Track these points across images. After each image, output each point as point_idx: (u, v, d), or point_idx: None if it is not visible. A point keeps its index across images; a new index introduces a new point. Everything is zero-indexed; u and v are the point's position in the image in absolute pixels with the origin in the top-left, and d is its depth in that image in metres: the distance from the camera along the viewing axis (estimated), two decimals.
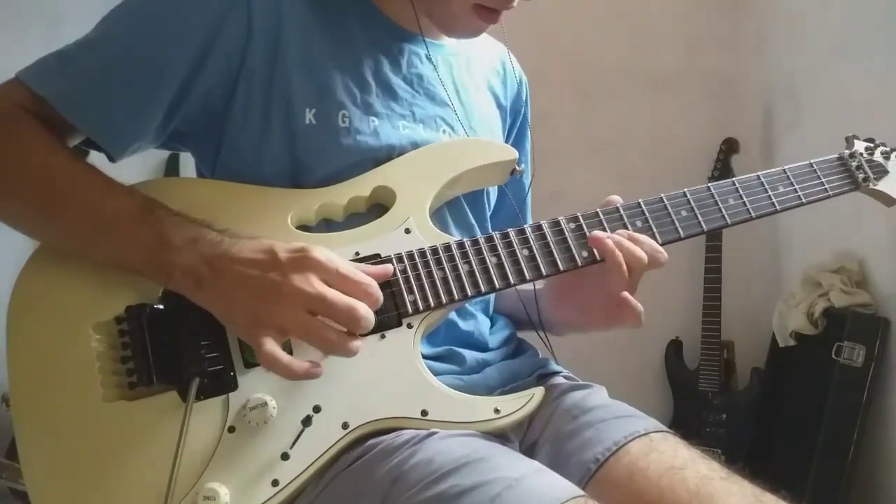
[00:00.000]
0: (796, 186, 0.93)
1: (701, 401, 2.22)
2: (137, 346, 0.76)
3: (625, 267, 0.82)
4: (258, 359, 0.71)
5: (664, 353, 2.36)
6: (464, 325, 0.94)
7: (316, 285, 0.71)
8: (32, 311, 0.78)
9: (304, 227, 0.84)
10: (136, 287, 0.78)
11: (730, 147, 2.26)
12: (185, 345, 0.76)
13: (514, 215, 1.04)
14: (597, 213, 0.87)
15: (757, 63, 2.36)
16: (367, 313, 0.72)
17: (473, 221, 0.97)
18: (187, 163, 2.16)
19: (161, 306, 0.77)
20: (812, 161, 0.96)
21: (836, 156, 0.99)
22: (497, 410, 0.79)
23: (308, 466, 0.74)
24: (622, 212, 0.88)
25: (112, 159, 0.86)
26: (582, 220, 0.87)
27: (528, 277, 0.84)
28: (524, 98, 1.13)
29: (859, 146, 1.00)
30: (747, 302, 2.34)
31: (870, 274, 1.86)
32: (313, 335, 0.71)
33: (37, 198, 0.78)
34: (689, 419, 2.22)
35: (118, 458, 0.73)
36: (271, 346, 0.70)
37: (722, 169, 2.23)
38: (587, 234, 0.86)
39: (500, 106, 1.07)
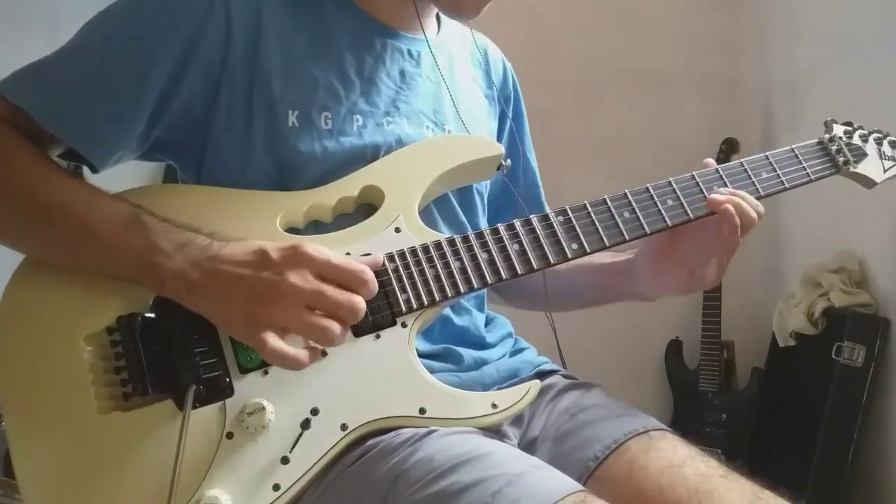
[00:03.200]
0: (779, 172, 0.94)
1: (701, 401, 2.21)
2: (131, 356, 0.74)
3: (737, 220, 0.86)
4: (264, 356, 0.71)
5: (664, 353, 2.36)
6: (458, 320, 0.94)
7: (312, 281, 0.72)
8: (21, 324, 0.76)
9: (293, 230, 0.84)
10: (125, 296, 0.77)
11: (730, 147, 2.25)
12: (179, 352, 0.75)
13: (529, 204, 1.05)
14: (584, 205, 0.88)
15: (757, 63, 2.36)
16: (363, 304, 0.73)
17: (464, 219, 0.97)
18: None
19: (152, 315, 0.76)
20: (793, 146, 0.98)
21: (817, 140, 1.00)
22: (494, 405, 0.79)
23: (308, 469, 0.74)
24: (609, 203, 0.88)
25: (94, 170, 0.84)
26: (570, 213, 0.87)
27: (519, 272, 0.84)
28: (511, 82, 1.13)
29: (838, 130, 1.01)
30: (747, 302, 2.34)
31: (870, 274, 1.86)
32: (316, 332, 0.71)
33: (20, 208, 0.77)
34: (689, 419, 2.21)
35: (116, 469, 0.72)
36: (275, 341, 0.70)
37: None
38: (576, 226, 0.86)
39: (486, 96, 1.07)
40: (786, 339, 1.96)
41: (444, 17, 1.06)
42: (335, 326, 0.71)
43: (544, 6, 2.36)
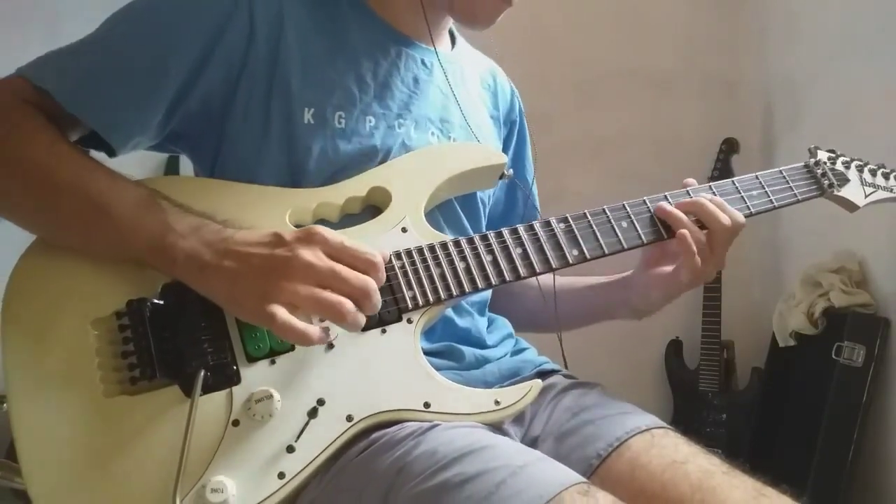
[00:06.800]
0: (768, 191, 0.98)
1: (701, 401, 2.21)
2: (140, 340, 0.75)
3: (689, 240, 0.89)
4: (273, 328, 0.70)
5: (664, 353, 2.36)
6: (461, 321, 0.95)
7: (325, 259, 0.72)
8: (28, 305, 0.77)
9: (300, 227, 0.84)
10: (134, 282, 0.78)
11: (730, 147, 2.25)
12: (187, 339, 0.76)
13: (527, 218, 1.06)
14: (584, 213, 0.91)
15: (757, 63, 2.36)
16: (376, 288, 0.73)
17: (467, 225, 0.99)
18: (187, 164, 2.15)
19: (161, 301, 0.77)
20: (781, 168, 1.02)
21: (803, 164, 1.04)
22: (497, 402, 0.80)
23: (314, 459, 0.74)
24: (608, 213, 0.91)
25: (112, 154, 0.86)
26: (571, 221, 0.90)
27: (522, 274, 0.86)
28: (518, 109, 1.16)
29: (822, 156, 1.05)
30: (747, 302, 2.34)
31: (870, 274, 1.86)
32: (326, 307, 0.71)
33: (39, 185, 0.78)
34: (689, 419, 2.21)
35: (121, 453, 0.72)
36: (285, 314, 0.70)
37: (722, 169, 2.22)
38: (576, 234, 0.89)
39: (492, 117, 1.10)
40: (786, 339, 1.96)
41: (458, 36, 1.10)
42: (348, 303, 0.71)
43: (544, 6, 2.36)
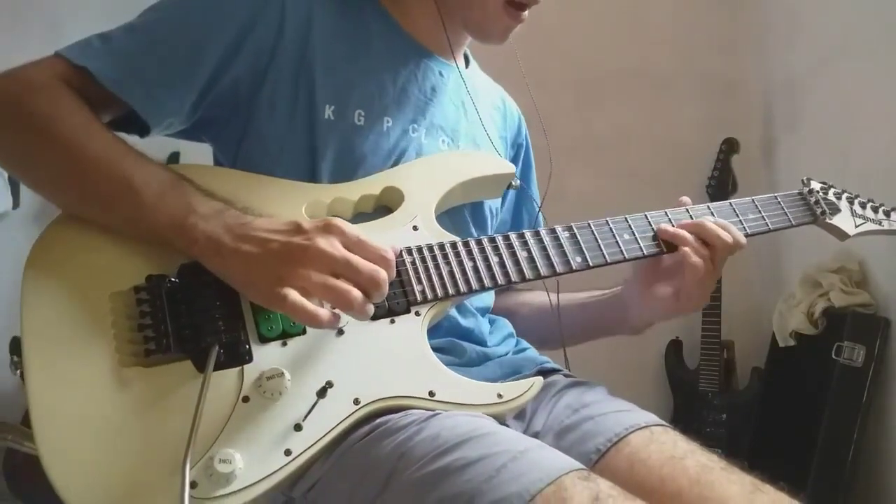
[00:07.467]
0: (763, 214, 1.01)
1: (701, 401, 2.21)
2: (156, 314, 0.77)
3: (694, 258, 0.91)
4: (284, 310, 0.73)
5: (664, 353, 2.36)
6: (464, 321, 0.97)
7: (340, 249, 0.75)
8: (49, 277, 0.79)
9: None
10: (152, 261, 0.80)
11: (730, 147, 2.25)
12: (202, 317, 0.78)
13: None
14: (588, 223, 0.94)
15: (757, 63, 2.36)
16: (386, 278, 0.76)
17: (474, 231, 1.01)
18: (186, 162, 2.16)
19: (178, 280, 0.79)
20: (776, 195, 1.06)
21: (797, 192, 1.08)
22: (500, 395, 0.82)
23: (320, 438, 0.76)
24: (611, 224, 0.94)
25: (144, 134, 0.89)
26: (576, 230, 0.93)
27: (527, 276, 0.89)
28: (524, 134, 1.20)
29: (815, 185, 1.09)
30: (747, 302, 2.34)
31: (870, 274, 1.86)
32: (333, 295, 0.73)
33: (71, 158, 0.80)
34: (689, 419, 2.21)
35: (132, 421, 0.74)
36: (296, 296, 0.72)
37: (722, 169, 2.23)
38: (580, 242, 0.91)
39: (501, 137, 1.13)
40: (786, 339, 1.96)
41: (472, 59, 1.14)
42: (356, 292, 0.74)
43: (544, 6, 2.36)
